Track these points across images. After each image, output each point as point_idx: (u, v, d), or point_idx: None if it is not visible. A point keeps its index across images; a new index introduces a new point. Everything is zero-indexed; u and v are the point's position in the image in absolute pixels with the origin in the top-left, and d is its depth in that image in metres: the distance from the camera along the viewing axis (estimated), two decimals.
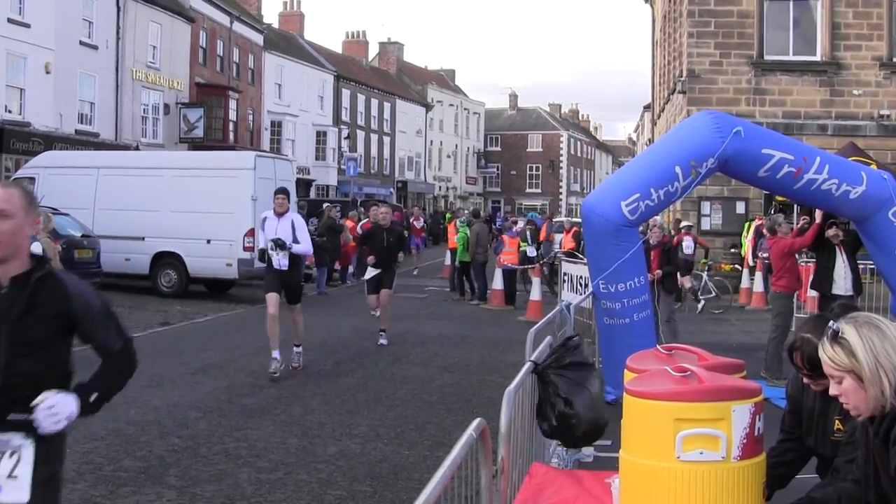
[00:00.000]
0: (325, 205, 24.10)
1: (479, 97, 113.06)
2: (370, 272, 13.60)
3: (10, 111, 26.17)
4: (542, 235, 31.81)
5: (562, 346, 4.97)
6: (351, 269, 24.27)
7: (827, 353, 2.82)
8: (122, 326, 3.38)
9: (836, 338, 2.78)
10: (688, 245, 18.28)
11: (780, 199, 22.06)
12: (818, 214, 11.14)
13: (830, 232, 10.86)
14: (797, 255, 13.07)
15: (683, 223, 20.50)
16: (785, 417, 3.84)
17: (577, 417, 4.64)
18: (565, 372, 4.75)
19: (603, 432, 4.96)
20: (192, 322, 15.75)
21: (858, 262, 11.25)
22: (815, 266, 11.78)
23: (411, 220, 30.87)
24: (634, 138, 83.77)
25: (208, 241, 18.23)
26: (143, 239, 18.73)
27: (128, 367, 3.38)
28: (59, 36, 27.60)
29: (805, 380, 3.51)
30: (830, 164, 9.24)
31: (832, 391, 2.87)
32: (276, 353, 10.58)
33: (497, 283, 19.72)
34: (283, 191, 11.12)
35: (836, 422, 3.50)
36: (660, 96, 34.97)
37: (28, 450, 3.07)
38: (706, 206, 24.14)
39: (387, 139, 59.37)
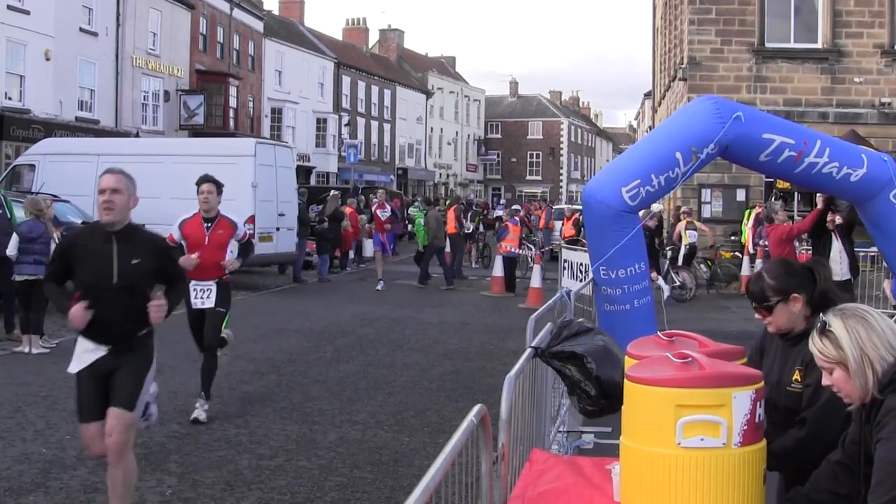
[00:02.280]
0: (332, 192, 24.11)
1: (480, 84, 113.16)
2: (83, 355, 5.54)
3: (10, 98, 26.14)
4: (542, 223, 31.95)
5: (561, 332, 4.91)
6: (351, 255, 25.25)
7: (816, 346, 2.89)
8: None
9: (824, 330, 2.83)
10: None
11: (780, 186, 22.07)
12: (819, 200, 11.15)
13: (828, 217, 10.89)
14: (797, 244, 13.08)
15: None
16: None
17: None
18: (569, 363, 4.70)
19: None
20: None
21: (858, 249, 11.28)
22: (811, 253, 11.79)
23: (374, 211, 23.42)
24: (635, 125, 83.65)
25: None
26: (143, 226, 18.68)
27: None
28: (59, 23, 27.55)
29: (756, 315, 3.68)
30: (831, 147, 9.23)
31: (824, 381, 2.93)
32: None
33: (497, 270, 19.74)
34: None
35: (797, 372, 3.57)
36: (660, 84, 34.89)
37: None
38: (706, 194, 24.10)
39: (387, 126, 59.29)
